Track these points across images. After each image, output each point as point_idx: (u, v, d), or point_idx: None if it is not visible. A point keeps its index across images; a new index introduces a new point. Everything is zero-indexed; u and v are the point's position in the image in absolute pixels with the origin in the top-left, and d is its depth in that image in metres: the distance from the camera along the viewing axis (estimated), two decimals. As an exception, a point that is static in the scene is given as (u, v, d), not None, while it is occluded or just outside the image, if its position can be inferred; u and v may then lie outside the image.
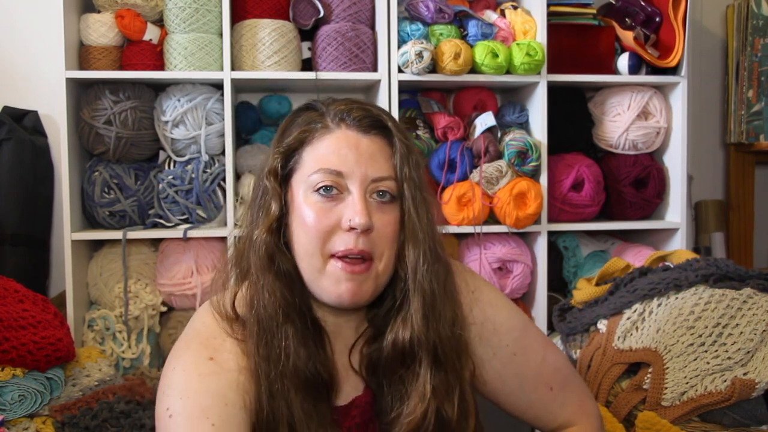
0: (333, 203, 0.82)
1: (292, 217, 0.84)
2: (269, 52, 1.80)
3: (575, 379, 1.01)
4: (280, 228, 0.85)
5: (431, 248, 0.86)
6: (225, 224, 1.82)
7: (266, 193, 0.86)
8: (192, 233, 1.77)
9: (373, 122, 0.85)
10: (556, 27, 1.91)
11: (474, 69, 1.84)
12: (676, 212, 2.00)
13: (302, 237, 0.83)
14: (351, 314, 0.90)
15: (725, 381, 1.26)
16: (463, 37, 1.87)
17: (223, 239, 1.83)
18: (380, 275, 0.84)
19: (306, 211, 0.82)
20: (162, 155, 1.89)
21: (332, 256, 0.82)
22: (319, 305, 0.88)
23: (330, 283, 0.82)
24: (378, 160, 0.83)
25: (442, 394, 0.85)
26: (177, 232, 1.78)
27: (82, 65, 1.81)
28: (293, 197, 0.84)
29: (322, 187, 0.82)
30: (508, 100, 2.08)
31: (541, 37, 1.86)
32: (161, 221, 1.82)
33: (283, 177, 0.86)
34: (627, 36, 1.96)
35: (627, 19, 1.99)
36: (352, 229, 0.80)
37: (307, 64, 1.90)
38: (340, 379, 0.89)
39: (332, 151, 0.83)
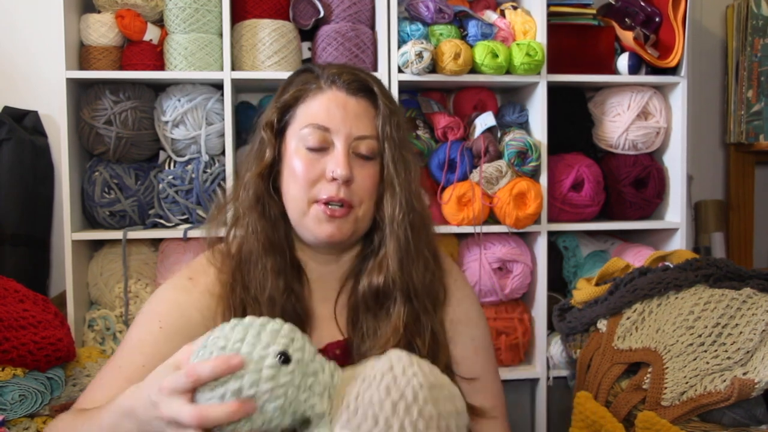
0: (319, 156, 0.91)
1: (283, 165, 0.94)
2: (269, 52, 1.80)
3: (501, 397, 1.07)
4: (271, 174, 0.95)
5: (407, 200, 0.94)
6: (225, 224, 1.82)
7: (262, 143, 0.96)
8: (192, 233, 1.77)
9: (360, 86, 0.94)
10: (556, 27, 1.92)
11: (474, 69, 1.84)
12: (676, 212, 2.00)
13: (291, 183, 0.93)
14: (333, 264, 0.99)
15: (725, 381, 1.26)
16: (463, 37, 1.87)
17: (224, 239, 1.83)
18: (360, 219, 0.93)
19: (296, 161, 0.92)
20: (162, 155, 1.89)
21: (316, 201, 0.91)
22: (303, 250, 0.98)
23: (312, 223, 0.91)
24: (362, 120, 0.93)
25: (414, 330, 0.93)
26: (177, 232, 1.78)
27: (83, 65, 1.81)
28: (286, 148, 0.94)
29: (310, 142, 0.91)
30: (508, 100, 2.08)
31: (541, 37, 1.86)
32: (161, 221, 1.82)
33: (279, 130, 0.96)
34: (627, 36, 1.96)
35: (627, 19, 1.99)
36: (334, 179, 0.89)
37: (307, 64, 1.90)
38: (317, 324, 0.96)
39: (322, 109, 0.92)
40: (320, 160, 0.91)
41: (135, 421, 0.71)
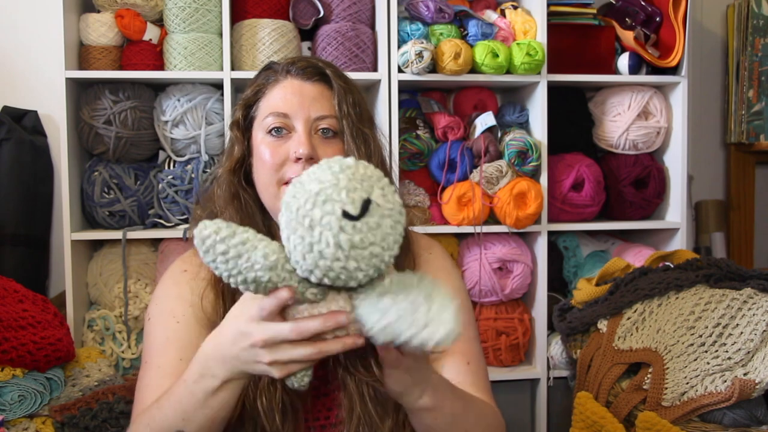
0: (283, 141, 0.96)
1: (253, 158, 0.99)
2: (269, 51, 1.80)
3: (487, 377, 1.05)
4: (242, 168, 1.00)
5: None
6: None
7: (231, 141, 1.02)
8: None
9: (315, 71, 0.99)
10: (556, 27, 1.91)
11: (474, 69, 1.84)
12: (676, 212, 2.00)
13: (260, 171, 0.98)
14: None
15: (725, 381, 1.26)
16: (463, 36, 1.87)
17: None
18: None
19: (262, 149, 0.97)
20: (162, 155, 1.89)
21: (285, 183, 0.95)
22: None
23: None
24: (320, 101, 0.97)
25: None
26: (177, 232, 1.78)
27: (82, 65, 1.80)
28: (254, 142, 0.99)
29: (273, 129, 0.96)
30: (508, 100, 2.08)
31: (541, 36, 1.86)
32: (161, 221, 1.82)
33: (246, 126, 1.01)
34: (627, 36, 1.96)
35: (627, 19, 1.99)
36: (298, 159, 0.94)
37: (307, 64, 1.89)
38: None
39: (280, 97, 0.97)
40: (284, 145, 0.96)
41: (221, 361, 0.75)
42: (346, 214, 0.59)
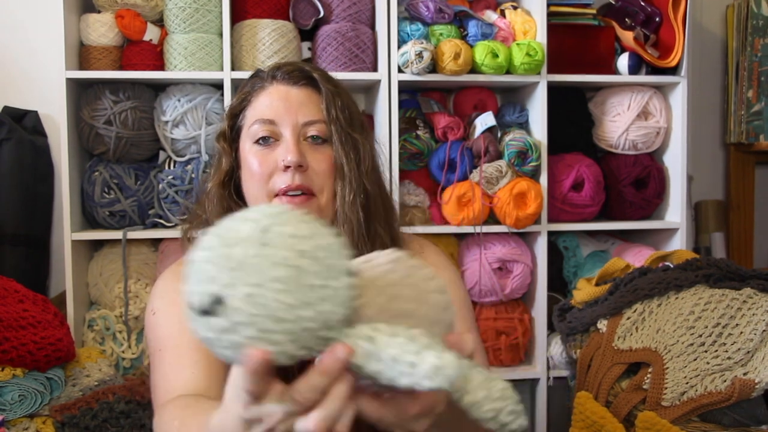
0: (271, 149, 0.92)
1: (242, 169, 0.96)
2: (269, 52, 1.80)
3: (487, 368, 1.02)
4: (232, 180, 0.97)
5: (358, 182, 0.93)
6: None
7: (218, 153, 0.98)
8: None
9: (301, 75, 0.96)
10: (556, 27, 1.91)
11: (474, 69, 1.84)
12: (676, 212, 2.00)
13: (249, 182, 0.94)
14: None
15: (725, 381, 1.26)
16: (463, 37, 1.87)
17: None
18: (323, 209, 0.92)
19: (250, 159, 0.93)
20: (162, 155, 1.89)
21: (276, 195, 0.91)
22: None
23: None
24: (307, 106, 0.94)
25: None
26: (177, 232, 1.78)
27: (82, 65, 1.81)
28: (242, 152, 0.96)
29: (260, 138, 0.93)
30: (508, 100, 2.08)
31: (541, 37, 1.86)
32: (161, 221, 1.82)
33: (233, 137, 0.98)
34: (627, 36, 1.96)
35: (627, 19, 1.99)
36: (287, 168, 0.90)
37: (307, 64, 1.89)
38: None
39: (266, 104, 0.94)
40: (272, 153, 0.92)
41: None
42: (190, 305, 0.50)
